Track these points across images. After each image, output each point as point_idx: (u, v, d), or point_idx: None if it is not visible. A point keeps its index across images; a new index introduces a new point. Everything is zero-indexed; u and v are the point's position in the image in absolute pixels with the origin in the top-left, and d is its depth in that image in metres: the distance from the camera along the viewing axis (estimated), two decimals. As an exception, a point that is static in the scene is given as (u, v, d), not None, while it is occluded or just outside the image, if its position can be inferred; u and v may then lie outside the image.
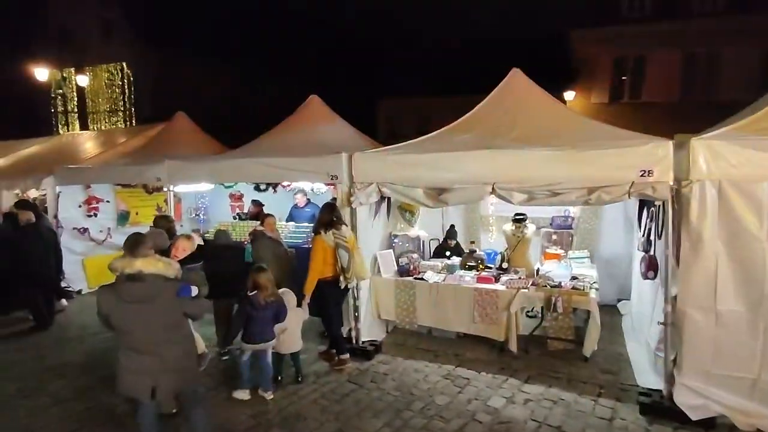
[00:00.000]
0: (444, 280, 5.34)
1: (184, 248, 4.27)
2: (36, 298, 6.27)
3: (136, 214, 8.70)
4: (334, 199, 5.60)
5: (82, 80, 19.31)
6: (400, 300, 5.46)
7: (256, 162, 5.51)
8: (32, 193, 8.85)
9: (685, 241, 3.60)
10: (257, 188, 7.92)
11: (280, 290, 4.52)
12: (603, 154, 3.86)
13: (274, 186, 7.79)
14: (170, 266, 2.99)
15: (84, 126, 22.59)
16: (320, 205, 7.81)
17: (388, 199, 5.41)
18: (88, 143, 9.81)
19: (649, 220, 4.46)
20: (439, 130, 5.23)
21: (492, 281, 5.20)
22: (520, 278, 5.12)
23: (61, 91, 22.22)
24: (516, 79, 5.44)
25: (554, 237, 6.35)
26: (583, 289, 4.79)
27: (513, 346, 4.95)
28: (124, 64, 22.46)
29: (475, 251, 5.79)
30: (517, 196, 4.20)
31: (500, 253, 5.64)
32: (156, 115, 13.67)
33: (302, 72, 24.89)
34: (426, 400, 4.14)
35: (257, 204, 8.41)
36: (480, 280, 5.25)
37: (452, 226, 6.56)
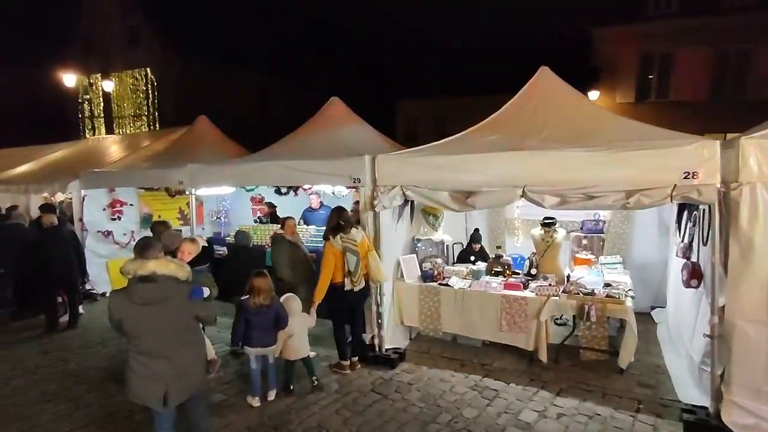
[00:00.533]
0: (470, 287, 5.16)
1: (189, 252, 4.26)
2: (53, 300, 6.32)
3: (159, 217, 8.73)
4: (357, 202, 5.49)
5: (108, 86, 19.73)
6: (424, 306, 5.31)
7: (278, 165, 5.43)
8: (59, 197, 9.00)
9: (734, 248, 3.35)
10: (278, 191, 7.87)
11: (285, 295, 4.49)
12: (643, 155, 3.63)
13: (295, 189, 7.71)
14: (182, 268, 3.00)
15: (110, 130, 23.09)
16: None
17: (412, 202, 5.26)
18: (112, 147, 9.95)
19: (691, 224, 4.21)
20: (465, 131, 5.06)
21: (520, 288, 4.99)
22: (550, 285, 4.90)
23: (87, 96, 22.76)
24: (544, 78, 5.24)
25: (584, 241, 6.10)
26: (619, 297, 4.55)
27: (543, 356, 4.74)
28: (148, 70, 22.85)
29: (502, 256, 5.59)
30: (549, 200, 4.00)
31: (528, 258, 5.42)
32: (179, 120, 13.84)
33: (321, 75, 24.95)
34: (453, 413, 3.97)
35: (270, 205, 8.37)
36: (507, 286, 5.06)
37: (476, 230, 6.37)
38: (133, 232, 8.35)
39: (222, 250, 7.79)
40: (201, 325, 3.30)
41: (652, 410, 3.93)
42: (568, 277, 5.24)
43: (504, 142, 4.48)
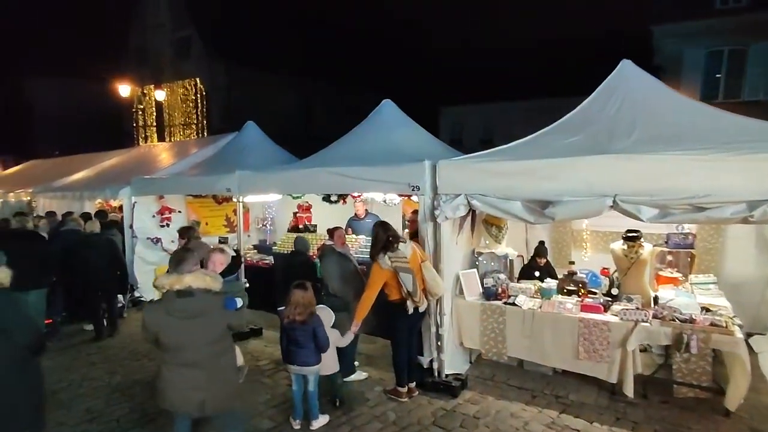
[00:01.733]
0: (540, 307, 4.60)
1: (221, 262, 4.05)
2: (95, 307, 6.30)
3: (206, 224, 8.67)
4: (415, 212, 5.06)
5: (160, 95, 20.42)
6: (487, 327, 4.79)
7: (329, 172, 5.09)
8: (114, 203, 9.11)
9: None
10: (327, 199, 7.52)
11: (316, 306, 4.23)
12: (771, 158, 3.01)
13: (344, 197, 7.38)
14: (216, 280, 3.04)
15: (161, 139, 23.88)
16: (380, 216, 7.40)
17: (473, 211, 4.78)
18: (162, 154, 10.04)
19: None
20: (536, 133, 4.54)
21: (600, 310, 4.39)
22: (637, 308, 4.27)
23: (141, 105, 23.64)
24: (626, 72, 4.68)
25: (669, 258, 5.38)
26: (726, 326, 3.87)
27: (629, 391, 4.11)
28: (198, 80, 23.49)
29: (575, 273, 4.99)
30: (646, 212, 3.43)
31: (608, 276, 4.79)
32: (226, 128, 13.99)
33: (364, 81, 24.86)
34: (531, 457, 3.44)
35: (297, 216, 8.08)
36: (585, 308, 4.46)
37: (541, 243, 5.78)
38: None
39: (268, 259, 7.58)
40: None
41: (778, 467, 3.25)
42: (656, 298, 4.59)
43: (587, 144, 3.93)
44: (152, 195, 7.78)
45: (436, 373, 4.56)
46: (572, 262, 5.41)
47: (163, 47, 25.27)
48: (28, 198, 10.14)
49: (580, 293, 4.80)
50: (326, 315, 4.19)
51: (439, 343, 4.54)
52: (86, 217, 6.79)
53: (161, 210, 8.11)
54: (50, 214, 8.29)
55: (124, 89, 17.01)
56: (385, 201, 6.78)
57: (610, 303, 4.52)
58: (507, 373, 4.82)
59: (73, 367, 5.25)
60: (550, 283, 5.00)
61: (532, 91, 22.01)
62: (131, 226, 7.72)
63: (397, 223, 7.70)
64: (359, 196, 7.03)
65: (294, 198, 8.25)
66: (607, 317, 4.29)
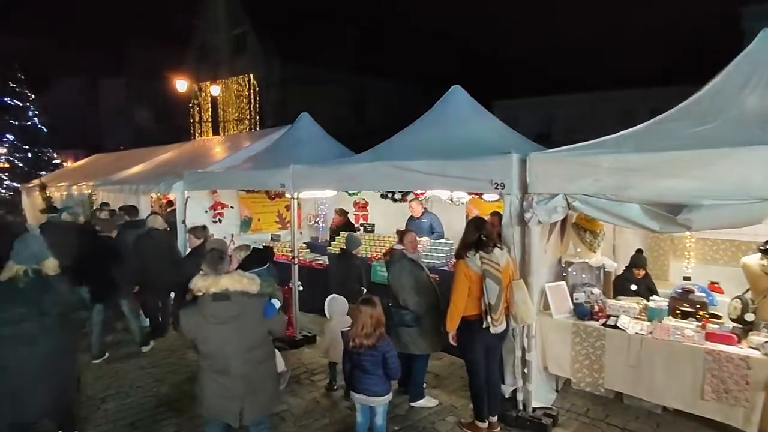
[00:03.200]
0: (651, 333, 3.78)
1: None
2: (149, 306, 6.14)
3: (258, 220, 8.38)
4: (494, 214, 4.38)
5: (215, 91, 20.75)
6: (579, 352, 4.02)
7: (395, 166, 4.49)
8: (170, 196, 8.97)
9: None
10: (391, 197, 6.83)
11: (330, 297, 4.37)
12: None
13: (406, 194, 6.74)
14: (254, 282, 2.87)
15: (216, 133, 24.35)
16: (436, 215, 6.74)
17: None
18: (216, 148, 9.86)
19: None
20: (649, 121, 3.72)
21: (734, 341, 3.52)
22: (787, 342, 3.37)
23: (197, 101, 24.17)
24: (769, 44, 3.74)
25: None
26: None
27: (774, 445, 3.24)
28: (251, 76, 23.72)
29: (692, 291, 4.12)
30: (829, 221, 2.57)
31: (742, 298, 3.88)
32: (279, 123, 13.80)
33: (420, 76, 24.19)
34: None
35: (342, 213, 7.49)
36: (711, 336, 3.60)
37: (639, 251, 4.94)
38: (233, 235, 7.99)
39: (322, 259, 7.13)
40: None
41: None
42: (804, 328, 3.64)
43: (729, 133, 3.09)
44: (204, 190, 7.53)
45: (520, 406, 3.86)
46: (687, 278, 4.52)
47: (220, 44, 25.76)
48: (89, 191, 10.28)
49: (698, 316, 3.94)
50: (340, 305, 4.26)
51: (525, 371, 3.83)
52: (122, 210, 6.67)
53: (214, 205, 7.88)
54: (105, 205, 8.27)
55: (182, 85, 17.35)
56: (451, 200, 6.08)
57: (745, 331, 3.63)
58: (604, 408, 4.05)
59: (121, 372, 5.00)
60: (659, 302, 4.16)
61: (593, 82, 20.52)
62: (184, 221, 7.51)
63: (460, 224, 7.02)
64: (422, 194, 6.39)
65: (350, 195, 7.75)
66: (745, 350, 3.42)
